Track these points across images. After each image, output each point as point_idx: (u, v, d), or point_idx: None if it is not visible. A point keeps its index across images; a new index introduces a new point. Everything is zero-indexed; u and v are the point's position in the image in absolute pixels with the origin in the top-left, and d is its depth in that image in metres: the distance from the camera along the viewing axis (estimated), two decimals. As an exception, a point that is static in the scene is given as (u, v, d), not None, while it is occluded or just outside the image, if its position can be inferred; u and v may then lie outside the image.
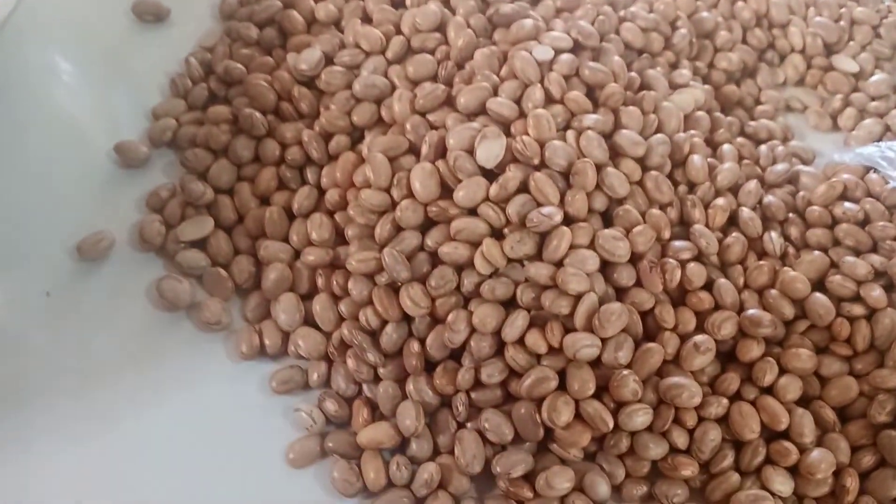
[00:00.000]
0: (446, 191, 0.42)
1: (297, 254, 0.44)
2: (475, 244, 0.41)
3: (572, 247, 0.41)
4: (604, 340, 0.40)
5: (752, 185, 0.47)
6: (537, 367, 0.40)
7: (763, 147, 0.51)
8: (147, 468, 0.39)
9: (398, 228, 0.42)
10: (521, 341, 0.41)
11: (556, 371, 0.40)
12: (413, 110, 0.45)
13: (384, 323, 0.42)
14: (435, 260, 0.42)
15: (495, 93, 0.44)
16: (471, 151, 0.42)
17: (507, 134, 0.43)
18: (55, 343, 0.42)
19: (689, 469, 0.40)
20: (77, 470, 0.39)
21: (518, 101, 0.44)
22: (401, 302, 0.41)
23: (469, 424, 0.41)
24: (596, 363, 0.40)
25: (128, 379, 0.42)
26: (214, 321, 0.43)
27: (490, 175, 0.42)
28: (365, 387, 0.42)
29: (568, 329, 0.41)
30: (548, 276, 0.41)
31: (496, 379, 0.40)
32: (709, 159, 0.48)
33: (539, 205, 0.42)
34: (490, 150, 0.42)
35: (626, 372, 0.40)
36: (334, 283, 0.43)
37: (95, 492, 0.38)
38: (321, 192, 0.45)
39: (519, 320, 0.40)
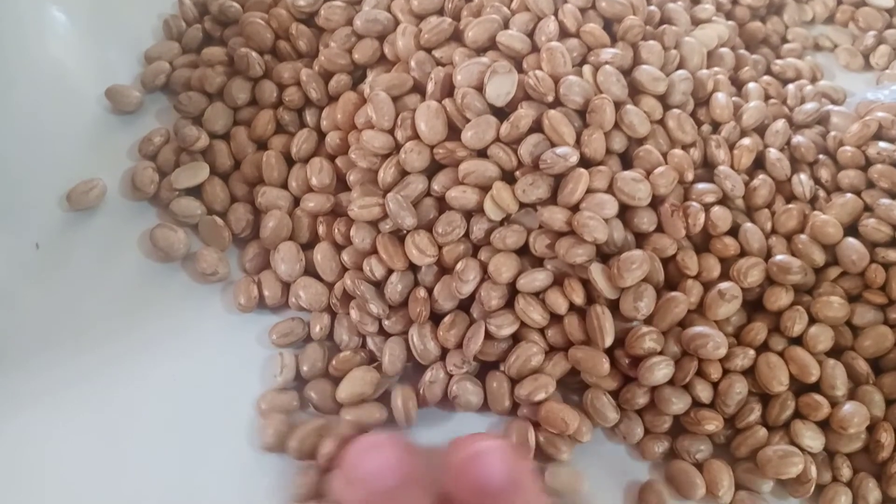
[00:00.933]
0: (453, 131, 0.40)
1: (296, 201, 0.42)
2: (485, 188, 0.39)
3: (589, 190, 0.39)
4: (623, 290, 0.38)
5: (780, 124, 0.44)
6: (524, 344, 0.38)
7: (791, 86, 0.48)
8: (142, 422, 0.37)
9: (403, 172, 0.40)
10: (537, 296, 0.39)
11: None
12: (418, 46, 0.42)
13: (389, 272, 0.40)
14: (442, 206, 0.40)
15: (506, 26, 0.42)
16: (480, 89, 0.40)
17: (519, 70, 0.41)
18: (46, 296, 0.40)
19: (713, 423, 0.38)
20: (71, 424, 0.37)
21: (531, 35, 0.42)
22: (406, 250, 0.39)
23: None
24: (614, 311, 0.38)
25: (121, 332, 0.40)
26: (211, 271, 0.41)
27: (501, 114, 0.40)
28: (369, 341, 0.40)
29: (584, 281, 0.38)
30: (563, 222, 0.38)
31: (506, 332, 0.38)
32: (733, 98, 0.45)
33: (553, 145, 0.39)
34: (500, 87, 0.40)
35: (644, 329, 0.38)
36: (336, 231, 0.41)
37: (90, 446, 0.37)
38: (321, 135, 0.43)
39: (540, 278, 0.38)
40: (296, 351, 0.40)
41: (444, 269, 0.40)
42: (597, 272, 0.38)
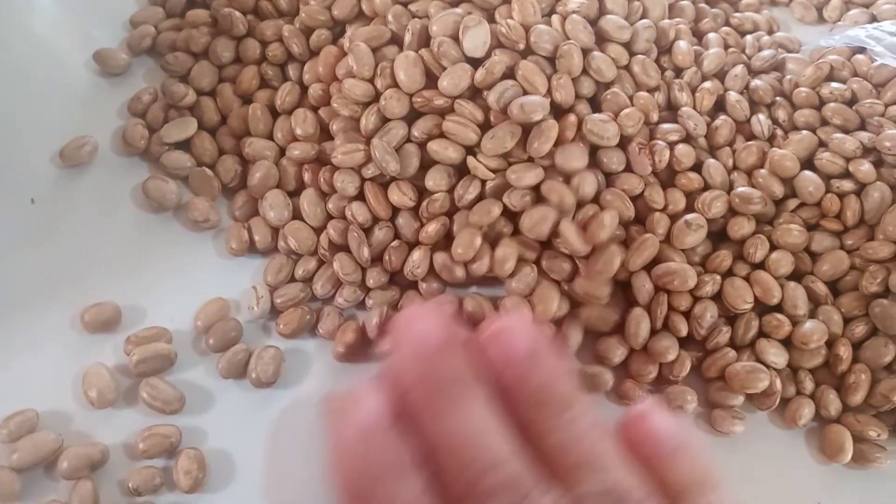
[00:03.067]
0: (431, 80, 0.42)
1: (282, 151, 0.44)
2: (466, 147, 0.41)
3: (559, 140, 0.41)
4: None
5: (739, 69, 0.47)
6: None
7: (749, 37, 0.50)
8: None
9: (383, 119, 0.42)
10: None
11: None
12: (394, 0, 0.44)
13: (373, 220, 0.42)
14: (423, 152, 0.42)
15: (479, -22, 0.44)
16: (455, 38, 0.42)
17: (492, 20, 0.43)
18: (44, 249, 0.42)
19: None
20: (73, 379, 0.38)
21: (502, -14, 0.44)
22: (389, 195, 0.41)
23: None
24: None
25: (119, 282, 0.41)
26: (202, 219, 0.42)
27: (478, 64, 0.42)
28: (338, 295, 0.42)
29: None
30: (532, 184, 0.41)
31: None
32: (694, 47, 0.47)
33: (525, 93, 0.41)
34: (476, 39, 0.42)
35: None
36: (321, 179, 0.42)
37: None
38: (304, 88, 0.45)
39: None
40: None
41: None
42: (569, 232, 0.40)
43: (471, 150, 0.41)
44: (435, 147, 0.41)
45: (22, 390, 0.38)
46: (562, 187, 0.40)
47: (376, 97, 0.42)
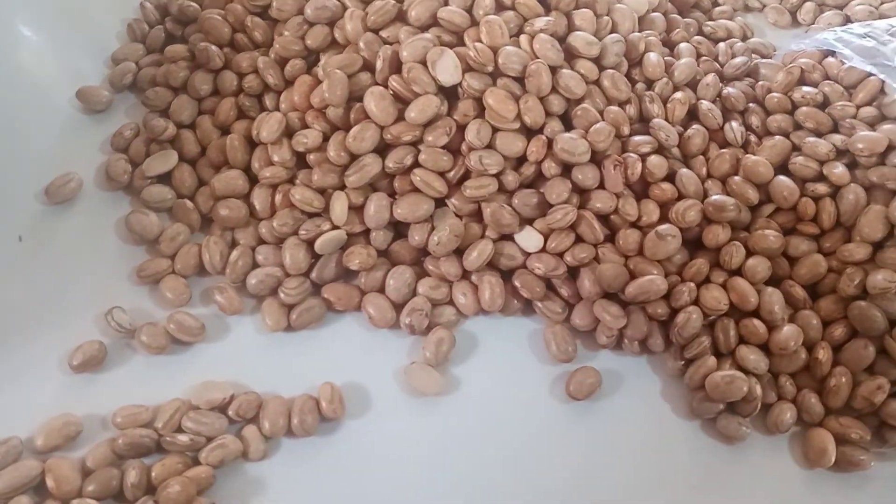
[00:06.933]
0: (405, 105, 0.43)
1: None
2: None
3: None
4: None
5: (710, 78, 0.47)
6: None
7: (722, 44, 0.51)
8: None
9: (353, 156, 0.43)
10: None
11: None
12: (365, 28, 0.45)
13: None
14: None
15: (446, 2, 0.44)
16: (425, 63, 0.42)
17: (461, 43, 0.43)
18: (31, 284, 0.43)
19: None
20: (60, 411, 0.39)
21: (469, 10, 0.44)
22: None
23: None
24: None
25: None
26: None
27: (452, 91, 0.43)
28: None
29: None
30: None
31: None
32: (666, 58, 0.48)
33: (495, 130, 0.42)
34: (446, 67, 0.42)
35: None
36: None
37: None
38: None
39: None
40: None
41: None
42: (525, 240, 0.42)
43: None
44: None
45: (6, 420, 0.38)
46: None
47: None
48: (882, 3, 0.54)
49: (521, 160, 0.43)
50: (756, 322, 0.41)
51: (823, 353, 0.41)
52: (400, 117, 0.42)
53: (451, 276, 0.43)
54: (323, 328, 0.43)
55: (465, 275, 0.43)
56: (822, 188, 0.43)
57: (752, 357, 0.40)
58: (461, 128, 0.42)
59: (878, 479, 0.39)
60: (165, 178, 0.45)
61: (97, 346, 0.40)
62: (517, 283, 0.42)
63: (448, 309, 0.43)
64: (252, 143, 0.45)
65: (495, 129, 0.42)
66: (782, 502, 0.39)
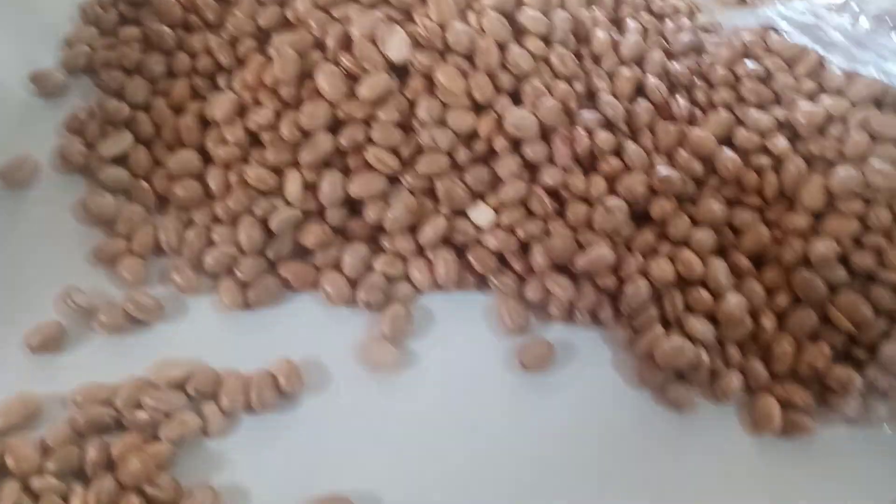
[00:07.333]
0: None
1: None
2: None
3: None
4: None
5: (657, 54, 0.48)
6: None
7: (668, 21, 0.52)
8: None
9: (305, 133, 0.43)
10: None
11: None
12: (316, 7, 0.45)
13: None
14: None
15: (394, -20, 0.45)
16: (374, 40, 0.43)
17: (410, 19, 0.44)
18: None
19: None
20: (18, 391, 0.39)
21: (418, -13, 0.45)
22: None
23: None
24: None
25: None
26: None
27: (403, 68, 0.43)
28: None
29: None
30: None
31: None
32: (613, 35, 0.49)
33: (445, 105, 0.43)
34: (395, 44, 0.43)
35: None
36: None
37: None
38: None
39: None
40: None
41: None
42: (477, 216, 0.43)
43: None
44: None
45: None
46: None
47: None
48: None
49: (473, 136, 0.44)
50: (702, 291, 0.42)
51: (768, 321, 0.42)
52: (351, 94, 0.43)
53: (406, 252, 0.43)
54: (280, 306, 0.43)
55: (420, 251, 0.44)
56: (764, 160, 0.44)
57: (699, 326, 0.42)
58: (412, 104, 0.43)
59: (822, 442, 0.41)
60: (121, 160, 0.46)
61: (55, 327, 0.41)
62: (471, 258, 0.43)
63: (404, 285, 0.43)
64: (206, 124, 0.46)
65: (446, 106, 0.43)
66: (730, 467, 0.40)
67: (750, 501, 0.39)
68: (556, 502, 0.39)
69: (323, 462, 0.39)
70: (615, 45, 0.48)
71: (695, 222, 0.44)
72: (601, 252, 0.42)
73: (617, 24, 0.50)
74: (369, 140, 0.43)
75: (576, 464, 0.40)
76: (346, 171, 0.44)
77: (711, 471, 0.40)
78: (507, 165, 0.43)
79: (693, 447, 0.41)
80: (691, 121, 0.47)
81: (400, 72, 0.43)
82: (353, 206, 0.44)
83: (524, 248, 0.44)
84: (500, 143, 0.43)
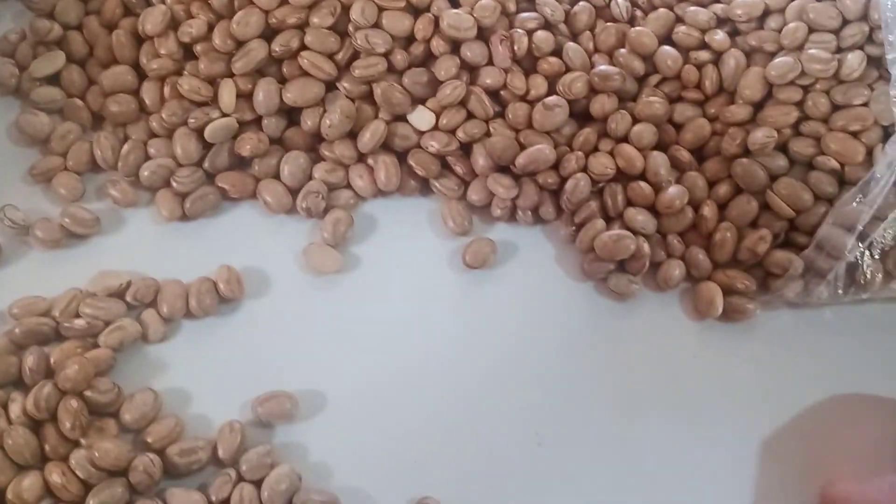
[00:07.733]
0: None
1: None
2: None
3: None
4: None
5: (597, -44, 0.48)
6: None
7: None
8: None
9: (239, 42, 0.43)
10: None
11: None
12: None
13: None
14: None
15: None
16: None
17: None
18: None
19: None
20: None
21: None
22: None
23: None
24: None
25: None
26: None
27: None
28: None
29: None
30: None
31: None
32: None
33: (380, 8, 0.43)
34: None
35: None
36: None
37: None
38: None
39: None
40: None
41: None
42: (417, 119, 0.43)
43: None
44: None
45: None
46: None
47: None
48: None
49: (410, 40, 0.43)
50: (643, 184, 0.42)
51: (709, 210, 0.42)
52: (284, 1, 0.42)
53: (346, 159, 0.43)
54: (219, 216, 0.43)
55: (361, 157, 0.43)
56: (704, 55, 0.44)
57: (640, 217, 0.42)
58: (346, 8, 0.42)
59: (763, 326, 0.41)
60: (54, 80, 0.45)
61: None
62: (412, 163, 0.43)
63: (345, 192, 0.43)
64: (139, 40, 0.45)
65: (381, 9, 0.42)
66: (674, 351, 0.41)
67: (694, 386, 0.40)
68: (503, 395, 0.39)
69: (266, 364, 0.39)
70: (555, -53, 0.47)
71: (635, 119, 0.43)
72: (542, 150, 0.42)
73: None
74: (304, 46, 0.42)
75: (523, 356, 0.40)
76: (282, 80, 0.43)
77: (655, 357, 0.40)
78: (445, 67, 0.43)
79: (637, 335, 0.41)
80: (632, 22, 0.46)
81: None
82: (290, 115, 0.44)
83: (466, 150, 0.43)
84: (437, 45, 0.43)
